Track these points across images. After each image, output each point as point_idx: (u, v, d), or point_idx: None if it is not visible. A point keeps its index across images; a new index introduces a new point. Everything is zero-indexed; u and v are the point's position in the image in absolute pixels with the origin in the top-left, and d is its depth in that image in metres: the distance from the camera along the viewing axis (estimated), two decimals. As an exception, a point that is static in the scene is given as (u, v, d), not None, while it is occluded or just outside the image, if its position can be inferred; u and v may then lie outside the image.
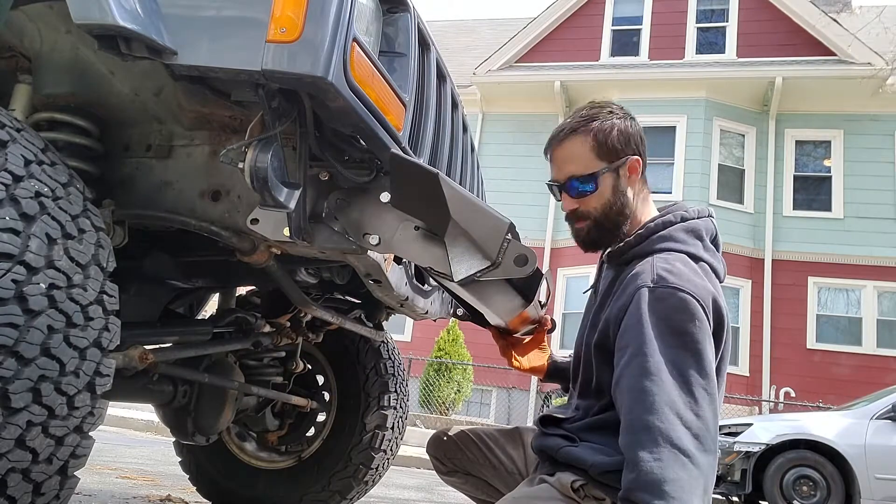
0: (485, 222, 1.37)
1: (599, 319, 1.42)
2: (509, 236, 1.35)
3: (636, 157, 1.48)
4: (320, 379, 2.80)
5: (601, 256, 1.60)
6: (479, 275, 1.38)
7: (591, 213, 1.47)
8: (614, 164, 1.46)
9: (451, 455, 1.77)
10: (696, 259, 1.39)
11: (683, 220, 1.46)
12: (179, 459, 2.86)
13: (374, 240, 1.47)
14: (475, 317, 2.16)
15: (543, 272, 1.76)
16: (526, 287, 1.61)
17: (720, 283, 1.42)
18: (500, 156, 12.95)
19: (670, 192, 11.79)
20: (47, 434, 1.08)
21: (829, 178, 12.11)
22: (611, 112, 1.50)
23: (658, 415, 1.17)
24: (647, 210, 1.52)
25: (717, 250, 1.48)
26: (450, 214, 1.33)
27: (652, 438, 1.16)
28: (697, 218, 1.47)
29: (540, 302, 1.83)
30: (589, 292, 1.66)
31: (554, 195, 1.54)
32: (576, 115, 1.51)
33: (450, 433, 1.80)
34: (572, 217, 1.50)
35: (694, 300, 1.26)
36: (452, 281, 1.41)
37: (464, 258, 1.38)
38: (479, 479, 1.75)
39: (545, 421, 1.53)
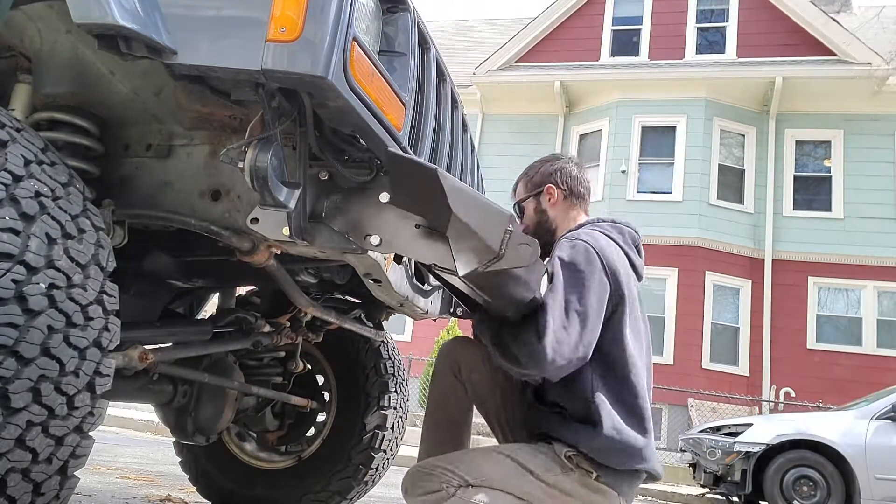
0: (486, 214, 1.37)
1: None
2: (511, 227, 1.35)
3: (550, 185, 1.98)
4: (320, 379, 2.79)
5: None
6: (482, 267, 1.38)
7: (529, 227, 1.99)
8: (533, 193, 2.01)
9: (472, 365, 1.93)
10: (612, 240, 1.81)
11: (612, 221, 1.91)
12: (179, 459, 2.85)
13: (375, 240, 1.46)
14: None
15: (545, 262, 1.76)
16: (529, 278, 1.61)
17: (638, 279, 1.84)
18: (500, 156, 12.95)
19: (670, 192, 11.79)
20: (47, 434, 1.07)
21: (829, 178, 12.11)
22: (543, 160, 2.06)
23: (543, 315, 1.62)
24: (574, 220, 1.96)
25: (638, 253, 1.90)
26: (451, 208, 1.33)
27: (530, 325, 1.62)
28: (623, 224, 1.92)
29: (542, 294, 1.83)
30: None
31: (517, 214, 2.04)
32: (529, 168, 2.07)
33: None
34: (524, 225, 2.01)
35: (595, 253, 1.70)
36: (457, 275, 1.41)
37: (467, 251, 1.38)
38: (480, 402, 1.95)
39: (538, 397, 1.83)
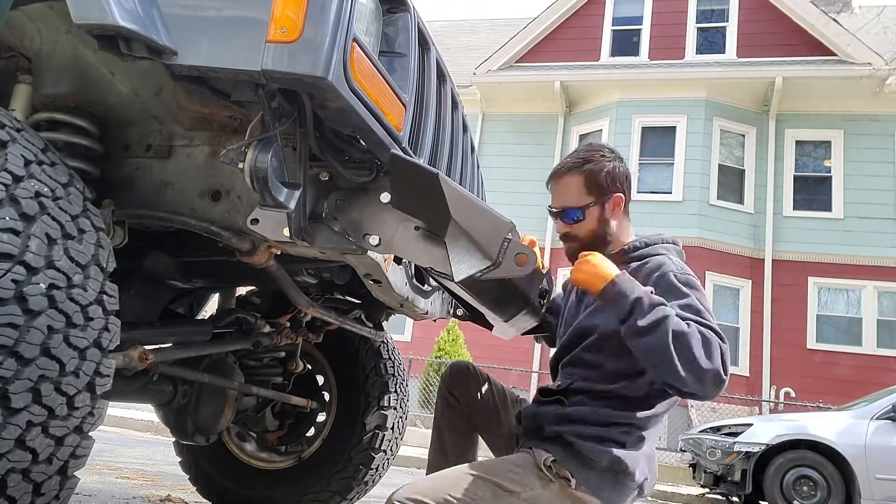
0: (485, 222, 1.37)
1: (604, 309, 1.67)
2: (510, 236, 1.35)
3: (619, 194, 1.77)
4: (320, 379, 2.79)
5: None
6: (479, 274, 1.38)
7: (579, 237, 1.78)
8: (600, 199, 1.76)
9: (466, 385, 1.91)
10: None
11: (674, 243, 1.85)
12: (179, 459, 2.85)
13: (374, 240, 1.47)
14: (475, 317, 2.16)
15: (544, 272, 1.76)
16: (527, 287, 1.61)
17: None
18: (500, 156, 12.95)
19: (670, 192, 11.79)
20: (47, 434, 1.07)
21: (829, 178, 12.10)
22: (602, 155, 1.79)
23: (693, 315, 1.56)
24: (626, 237, 1.82)
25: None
26: (450, 214, 1.33)
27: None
28: (672, 243, 1.86)
29: (540, 302, 1.83)
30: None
31: (552, 217, 1.85)
32: (575, 154, 1.82)
33: (472, 368, 1.96)
34: (565, 238, 1.82)
35: (694, 278, 1.69)
36: (453, 281, 1.41)
37: (464, 258, 1.39)
38: (469, 420, 1.92)
39: (543, 392, 1.80)
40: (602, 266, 1.60)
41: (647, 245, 1.79)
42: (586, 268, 1.62)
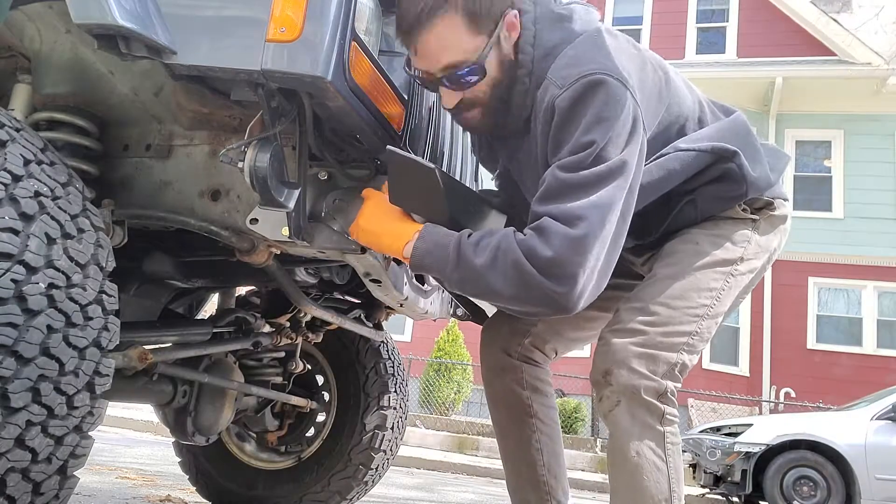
0: (482, 215, 1.37)
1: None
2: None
3: (510, 9, 1.29)
4: (320, 379, 2.79)
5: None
6: None
7: (481, 99, 1.34)
8: (494, 35, 1.28)
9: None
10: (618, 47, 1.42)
11: (568, 19, 1.44)
12: (179, 459, 2.85)
13: (373, 239, 1.46)
14: (475, 317, 2.16)
15: None
16: None
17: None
18: (500, 156, 12.94)
19: (670, 193, 11.78)
20: (46, 434, 1.07)
21: (830, 178, 12.11)
22: None
23: None
24: (546, 39, 1.36)
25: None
26: (448, 209, 1.33)
27: None
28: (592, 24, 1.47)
29: None
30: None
31: (425, 85, 1.38)
32: None
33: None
34: (457, 110, 1.37)
35: (621, 93, 1.28)
36: None
37: None
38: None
39: None
40: (384, 220, 1.30)
41: (557, 45, 1.30)
42: (367, 226, 1.32)
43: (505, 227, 1.34)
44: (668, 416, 1.34)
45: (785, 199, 1.54)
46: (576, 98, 1.22)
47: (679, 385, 1.37)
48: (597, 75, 1.23)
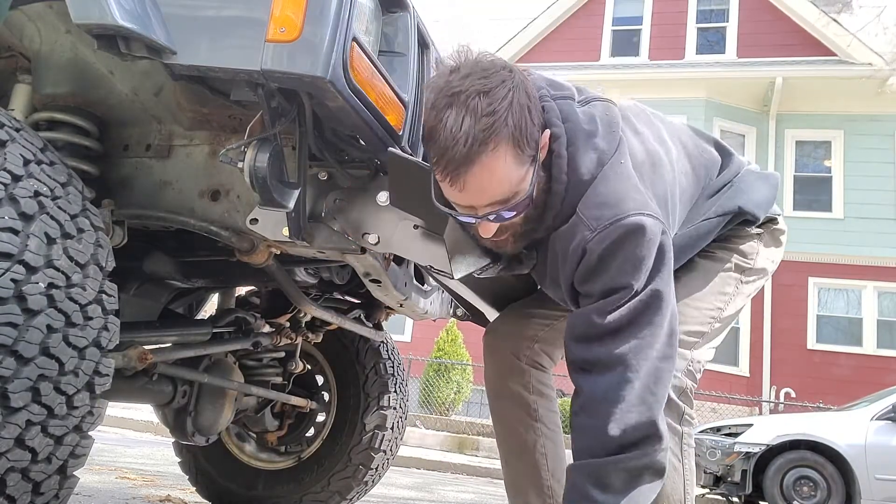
0: None
1: None
2: None
3: (545, 129, 1.24)
4: (320, 379, 2.79)
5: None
6: (479, 272, 1.38)
7: (515, 224, 1.26)
8: (535, 162, 1.20)
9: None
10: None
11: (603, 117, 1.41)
12: (179, 460, 2.85)
13: (372, 239, 1.47)
14: (475, 317, 2.16)
15: None
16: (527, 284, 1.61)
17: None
18: (500, 156, 12.93)
19: (670, 193, 11.78)
20: (46, 433, 1.07)
21: (830, 178, 12.11)
22: (502, 82, 1.18)
23: None
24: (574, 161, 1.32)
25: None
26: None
27: None
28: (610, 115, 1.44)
29: None
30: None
31: (468, 222, 1.26)
32: (463, 106, 1.13)
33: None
34: (493, 238, 1.28)
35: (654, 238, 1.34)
36: (452, 278, 1.41)
37: (463, 255, 1.38)
38: None
39: None
40: None
41: (584, 174, 1.23)
42: None
43: None
44: (686, 415, 1.36)
45: (780, 214, 1.69)
46: (608, 243, 1.21)
47: (696, 385, 1.41)
48: (629, 219, 1.20)
